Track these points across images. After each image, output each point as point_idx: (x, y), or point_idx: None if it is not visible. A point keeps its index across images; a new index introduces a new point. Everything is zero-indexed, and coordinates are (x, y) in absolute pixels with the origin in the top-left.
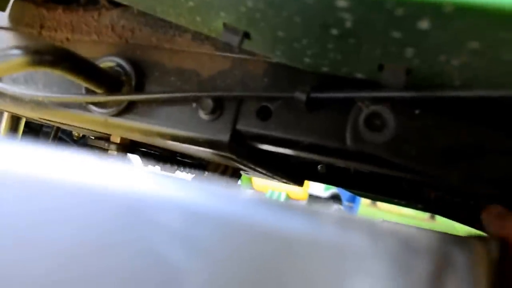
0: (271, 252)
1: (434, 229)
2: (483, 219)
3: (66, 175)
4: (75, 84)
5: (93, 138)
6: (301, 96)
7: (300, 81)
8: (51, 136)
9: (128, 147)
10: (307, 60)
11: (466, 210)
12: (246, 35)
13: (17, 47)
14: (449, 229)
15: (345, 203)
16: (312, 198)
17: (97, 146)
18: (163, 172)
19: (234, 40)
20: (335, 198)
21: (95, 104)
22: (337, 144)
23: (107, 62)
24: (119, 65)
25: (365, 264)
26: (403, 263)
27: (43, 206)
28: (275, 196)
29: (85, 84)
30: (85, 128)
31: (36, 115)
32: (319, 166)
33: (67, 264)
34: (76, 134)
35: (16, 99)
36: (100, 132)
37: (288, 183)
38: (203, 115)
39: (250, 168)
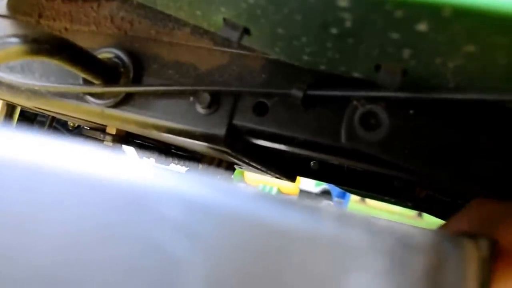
0: (271, 246)
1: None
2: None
3: (68, 165)
4: (72, 74)
5: (88, 128)
6: (297, 93)
7: (297, 78)
8: (46, 125)
9: (123, 138)
10: (305, 57)
11: (455, 209)
12: (246, 31)
13: (15, 35)
14: (436, 227)
15: (335, 199)
16: (303, 193)
17: (92, 137)
18: (158, 164)
19: (234, 35)
20: (325, 194)
21: (92, 94)
22: (331, 141)
23: (105, 53)
24: (117, 56)
25: (363, 259)
26: (399, 259)
27: (44, 195)
28: (266, 191)
29: (82, 75)
30: (80, 119)
31: (32, 104)
32: (311, 163)
33: (67, 254)
34: (71, 124)
35: (12, 88)
36: (95, 123)
37: (281, 179)
38: (200, 109)
39: (245, 162)
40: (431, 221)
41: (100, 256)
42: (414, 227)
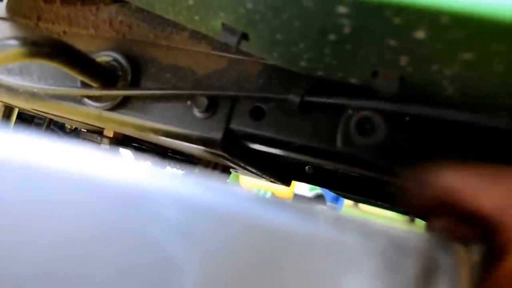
0: (266, 247)
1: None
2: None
3: (65, 164)
4: (70, 76)
5: (85, 131)
6: (295, 98)
7: (294, 84)
8: (44, 127)
9: (120, 141)
10: (303, 63)
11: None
12: (244, 36)
13: (14, 38)
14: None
15: (329, 203)
16: (297, 197)
17: (89, 139)
18: (154, 167)
19: (232, 40)
20: (319, 198)
21: (90, 97)
22: (327, 146)
23: (103, 57)
24: (115, 60)
25: (357, 262)
26: (392, 262)
27: (40, 195)
28: (261, 194)
29: (80, 78)
30: (78, 121)
31: (30, 106)
32: (306, 167)
33: (64, 253)
34: (69, 127)
35: (10, 90)
36: (93, 126)
37: (276, 183)
38: (197, 112)
39: (240, 166)
40: (423, 227)
41: (96, 254)
42: (408, 230)
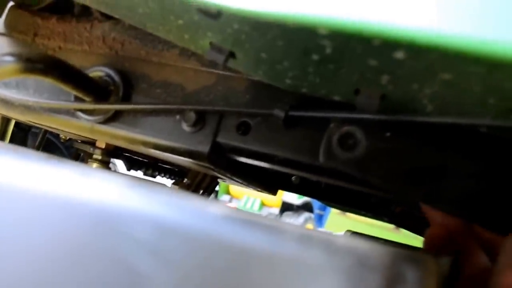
0: (233, 265)
1: (396, 240)
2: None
3: (38, 185)
4: (64, 90)
5: (79, 142)
6: (279, 113)
7: (279, 99)
8: (39, 137)
9: (112, 152)
10: (287, 81)
11: (427, 224)
12: (231, 55)
13: (10, 54)
14: (412, 238)
15: (316, 211)
16: (285, 205)
17: (82, 150)
18: (145, 177)
19: (220, 58)
20: (307, 206)
21: (83, 111)
22: (310, 160)
23: (96, 72)
24: (108, 75)
25: (321, 279)
26: (356, 278)
27: (13, 216)
28: (250, 202)
29: (74, 92)
30: (71, 133)
31: (26, 118)
32: (293, 177)
33: (37, 274)
34: (63, 137)
35: (7, 103)
36: (86, 137)
37: (263, 192)
38: (185, 127)
39: (227, 177)
40: (408, 233)
41: (69, 274)
42: (375, 245)
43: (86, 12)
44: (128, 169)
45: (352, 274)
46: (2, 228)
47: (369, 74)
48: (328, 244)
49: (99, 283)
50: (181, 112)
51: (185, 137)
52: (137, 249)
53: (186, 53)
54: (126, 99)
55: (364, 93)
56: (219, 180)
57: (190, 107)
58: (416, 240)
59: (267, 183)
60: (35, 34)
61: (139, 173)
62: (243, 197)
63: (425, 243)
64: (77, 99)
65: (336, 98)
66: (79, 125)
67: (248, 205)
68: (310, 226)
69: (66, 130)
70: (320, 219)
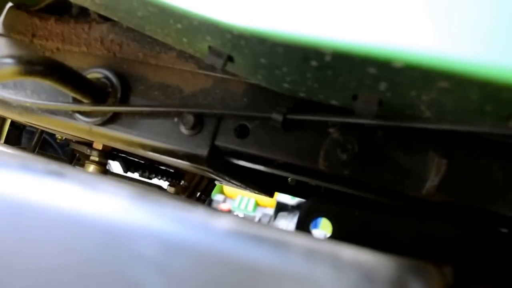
0: (240, 281)
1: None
2: None
3: (46, 203)
4: (62, 92)
5: (74, 142)
6: (277, 117)
7: (277, 103)
8: (36, 137)
9: (109, 154)
10: (285, 85)
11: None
12: (230, 59)
13: (9, 56)
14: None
15: None
16: (280, 205)
17: (79, 151)
18: (142, 179)
19: (218, 62)
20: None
21: (81, 112)
22: (309, 164)
23: (94, 74)
24: (106, 77)
25: None
26: None
27: (22, 233)
28: (244, 202)
29: (72, 94)
30: (68, 134)
31: (23, 119)
32: (289, 179)
33: None
34: (59, 138)
35: (5, 103)
36: (82, 138)
37: (260, 194)
38: (183, 129)
39: (225, 180)
40: None
41: None
42: (380, 256)
43: (84, 13)
44: (125, 171)
45: None
46: (12, 247)
47: (367, 81)
48: (334, 259)
49: None
50: (179, 114)
51: (183, 140)
52: (143, 266)
53: (184, 55)
54: (124, 101)
55: (362, 99)
56: (215, 182)
57: (188, 109)
58: None
59: (264, 185)
60: (33, 35)
61: (136, 175)
62: (237, 197)
63: None
64: (75, 100)
65: (334, 102)
66: (77, 127)
67: (242, 205)
68: None
69: (64, 131)
70: (314, 220)
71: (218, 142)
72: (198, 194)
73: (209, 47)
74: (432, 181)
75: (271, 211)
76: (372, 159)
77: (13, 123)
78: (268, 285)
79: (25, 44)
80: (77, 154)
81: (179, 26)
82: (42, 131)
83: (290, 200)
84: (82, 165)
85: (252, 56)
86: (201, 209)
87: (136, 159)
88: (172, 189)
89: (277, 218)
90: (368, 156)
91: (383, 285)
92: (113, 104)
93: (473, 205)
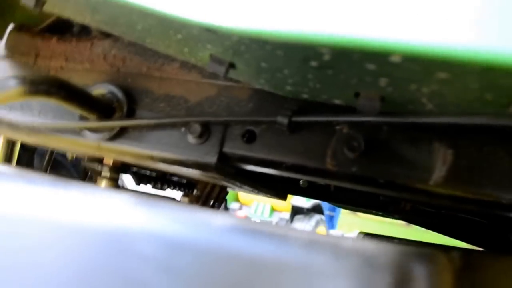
0: (242, 275)
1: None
2: None
3: (50, 211)
4: (70, 110)
5: (85, 160)
6: (283, 120)
7: (282, 106)
8: (46, 157)
9: (120, 168)
10: (288, 88)
11: (438, 219)
12: (232, 65)
13: (13, 78)
14: (424, 233)
15: (327, 212)
16: (295, 209)
17: (90, 167)
18: (154, 191)
19: (220, 70)
20: (317, 208)
21: (89, 129)
22: (317, 164)
23: (99, 89)
24: (111, 92)
25: (329, 283)
26: (364, 280)
27: (27, 241)
28: (260, 208)
29: (78, 111)
30: (78, 151)
31: (31, 140)
32: (301, 181)
33: None
34: (70, 156)
35: (12, 126)
36: (93, 155)
37: (273, 198)
38: (191, 139)
39: (237, 185)
40: (420, 229)
41: None
42: (383, 244)
43: (85, 31)
44: (137, 184)
45: (360, 275)
46: (13, 257)
47: (368, 77)
48: (335, 248)
49: None
50: (185, 124)
51: (191, 149)
52: (147, 267)
53: (186, 66)
54: (130, 115)
55: (364, 96)
56: (228, 189)
57: (194, 119)
58: (428, 235)
59: (276, 189)
60: (37, 55)
61: (148, 187)
62: (253, 204)
63: None
64: (82, 117)
65: (337, 102)
66: (85, 144)
67: (259, 212)
68: (322, 228)
69: (73, 149)
70: (331, 220)
71: (226, 149)
72: (212, 202)
73: (211, 55)
74: (439, 171)
75: (287, 215)
76: (379, 155)
77: (23, 146)
78: (270, 276)
79: (29, 65)
80: (89, 172)
81: (179, 36)
82: (52, 152)
83: (305, 203)
84: (94, 182)
85: (253, 61)
86: (199, 208)
87: (147, 172)
88: (185, 199)
89: (294, 222)
90: (374, 152)
91: (385, 270)
92: (120, 119)
93: (482, 193)
